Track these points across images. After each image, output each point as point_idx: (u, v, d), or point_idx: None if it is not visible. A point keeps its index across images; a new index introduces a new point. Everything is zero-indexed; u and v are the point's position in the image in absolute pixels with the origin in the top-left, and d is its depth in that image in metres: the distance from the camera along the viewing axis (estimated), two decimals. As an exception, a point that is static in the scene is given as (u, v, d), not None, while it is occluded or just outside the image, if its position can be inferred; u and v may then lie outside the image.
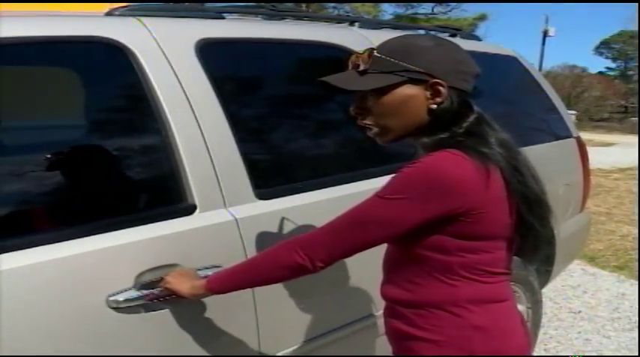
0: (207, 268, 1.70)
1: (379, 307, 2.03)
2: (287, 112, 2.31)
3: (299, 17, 2.64)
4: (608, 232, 6.65)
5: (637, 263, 5.46)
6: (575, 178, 3.56)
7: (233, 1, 2.94)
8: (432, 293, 1.39)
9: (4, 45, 1.57)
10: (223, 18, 2.18)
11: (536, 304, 3.20)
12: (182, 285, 1.58)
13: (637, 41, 36.18)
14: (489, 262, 1.39)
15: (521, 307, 3.01)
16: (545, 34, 33.25)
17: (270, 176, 2.07)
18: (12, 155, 1.68)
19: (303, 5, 20.91)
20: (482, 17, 30.39)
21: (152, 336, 1.65)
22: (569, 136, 3.59)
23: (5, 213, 1.58)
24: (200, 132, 1.80)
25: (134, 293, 1.59)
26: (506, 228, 1.38)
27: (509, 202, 1.36)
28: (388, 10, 30.83)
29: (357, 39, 2.48)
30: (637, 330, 4.04)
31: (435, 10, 30.36)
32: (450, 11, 30.32)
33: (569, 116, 3.81)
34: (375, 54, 1.39)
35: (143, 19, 1.88)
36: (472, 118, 1.40)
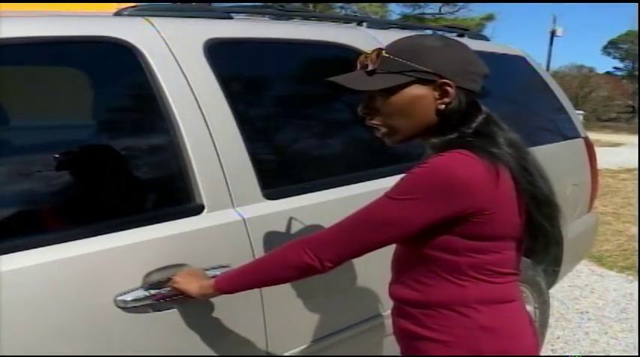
0: (215, 268, 1.70)
1: (387, 307, 2.03)
2: (295, 112, 2.31)
3: (307, 17, 2.64)
4: (615, 232, 6.63)
5: (637, 263, 5.44)
6: (583, 179, 3.55)
7: (241, 0, 2.95)
8: (440, 293, 1.39)
9: (13, 45, 1.58)
10: (231, 18, 2.18)
11: (543, 305, 3.20)
12: (190, 285, 1.58)
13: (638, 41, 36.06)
14: (498, 263, 1.38)
15: (528, 308, 3.01)
16: (553, 33, 33.22)
17: (277, 176, 2.07)
18: (20, 155, 1.69)
19: (311, 5, 20.89)
20: (489, 17, 30.28)
21: (160, 336, 1.65)
22: (577, 136, 3.59)
23: (14, 212, 1.58)
24: (208, 132, 1.81)
25: (142, 293, 1.59)
26: (515, 228, 1.38)
27: (518, 202, 1.36)
28: (395, 10, 30.80)
29: (365, 39, 2.48)
30: (644, 331, 4.03)
31: (442, 10, 30.30)
32: (457, 11, 30.25)
33: (577, 116, 3.80)
34: (384, 54, 1.39)
35: (151, 19, 1.88)
36: (481, 118, 1.39)
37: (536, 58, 3.81)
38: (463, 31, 3.24)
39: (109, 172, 1.78)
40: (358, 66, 1.44)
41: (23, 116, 1.70)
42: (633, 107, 37.01)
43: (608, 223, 6.98)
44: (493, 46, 3.45)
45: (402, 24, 3.23)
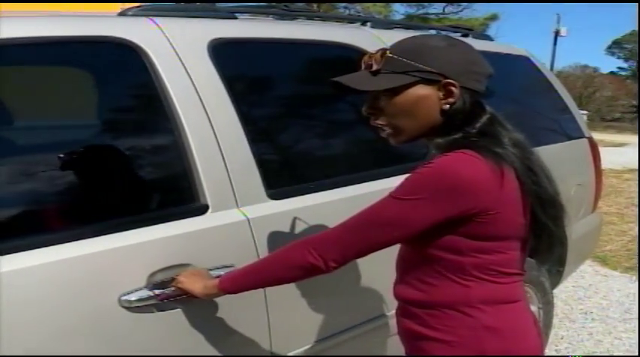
0: (219, 268, 1.70)
1: (391, 307, 2.03)
2: (299, 113, 2.31)
3: (311, 17, 2.64)
4: (619, 232, 6.62)
5: (637, 263, 5.43)
6: (587, 179, 3.54)
7: (245, 0, 2.95)
8: (444, 293, 1.39)
9: (18, 45, 1.58)
10: (236, 18, 2.18)
11: (547, 305, 3.20)
12: (194, 285, 1.58)
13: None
14: (502, 263, 1.38)
15: (532, 308, 3.00)
16: (557, 33, 33.12)
17: (282, 176, 2.07)
18: (25, 155, 1.69)
19: (315, 5, 20.90)
20: (493, 17, 30.29)
21: (164, 336, 1.65)
22: (581, 136, 3.58)
23: (19, 212, 1.58)
24: (213, 132, 1.81)
25: (146, 293, 1.59)
26: (519, 228, 1.38)
27: (523, 202, 1.35)
28: (399, 10, 30.81)
29: (369, 39, 2.48)
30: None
31: (446, 10, 30.29)
32: (461, 11, 30.24)
33: (581, 116, 3.80)
34: (388, 54, 1.39)
35: (156, 19, 1.88)
36: (485, 118, 1.39)
37: (540, 57, 3.80)
38: (467, 31, 3.24)
39: (114, 172, 1.78)
40: (362, 66, 1.44)
41: (27, 116, 1.71)
42: (637, 107, 36.95)
43: (612, 223, 6.98)
44: (497, 46, 3.45)
45: (405, 24, 3.24)
